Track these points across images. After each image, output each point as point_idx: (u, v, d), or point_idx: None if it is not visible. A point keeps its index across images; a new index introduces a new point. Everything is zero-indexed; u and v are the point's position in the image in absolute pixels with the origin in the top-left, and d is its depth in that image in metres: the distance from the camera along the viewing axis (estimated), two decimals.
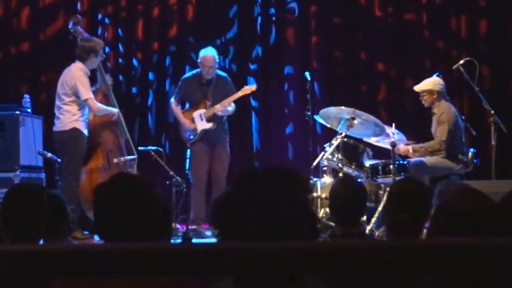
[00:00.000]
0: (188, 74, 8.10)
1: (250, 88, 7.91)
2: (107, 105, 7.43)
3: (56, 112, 7.16)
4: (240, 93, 7.83)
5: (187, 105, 8.07)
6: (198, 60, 7.88)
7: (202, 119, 7.79)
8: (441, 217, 2.11)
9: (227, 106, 7.79)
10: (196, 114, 7.84)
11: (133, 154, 7.46)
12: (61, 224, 3.45)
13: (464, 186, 3.52)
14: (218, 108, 7.74)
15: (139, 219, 2.47)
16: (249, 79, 9.14)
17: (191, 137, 7.80)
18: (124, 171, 7.20)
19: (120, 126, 7.56)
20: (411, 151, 7.11)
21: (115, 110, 7.46)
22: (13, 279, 1.23)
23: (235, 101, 7.88)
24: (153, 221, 2.51)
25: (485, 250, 1.21)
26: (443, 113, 7.13)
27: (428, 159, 7.07)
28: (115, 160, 7.30)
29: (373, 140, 7.28)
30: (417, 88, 7.29)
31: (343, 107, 7.09)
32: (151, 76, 9.41)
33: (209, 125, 7.77)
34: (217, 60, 7.87)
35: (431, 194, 3.53)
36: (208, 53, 7.83)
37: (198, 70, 7.93)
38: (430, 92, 7.20)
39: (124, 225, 2.44)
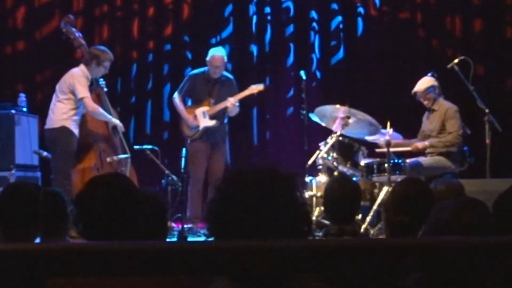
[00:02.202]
0: (195, 70, 8.07)
1: (257, 87, 7.90)
2: (100, 106, 7.38)
3: (49, 109, 7.13)
4: (247, 92, 7.85)
5: (189, 102, 8.06)
6: (207, 59, 7.87)
7: (205, 117, 7.79)
8: (434, 230, 2.10)
9: (229, 108, 7.80)
10: (199, 111, 7.83)
11: (126, 153, 7.43)
12: (60, 223, 3.45)
13: (460, 198, 3.48)
14: (232, 102, 7.73)
15: (123, 220, 2.45)
16: (246, 77, 9.14)
17: (192, 133, 7.79)
18: (118, 170, 7.18)
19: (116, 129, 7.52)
20: (428, 144, 7.12)
21: (116, 121, 7.41)
22: (8, 278, 1.24)
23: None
24: (140, 220, 2.49)
25: (477, 249, 1.23)
26: (448, 110, 7.17)
27: (424, 160, 7.09)
28: (108, 159, 7.27)
29: (370, 138, 7.28)
30: (418, 89, 7.27)
31: (338, 106, 7.10)
32: (146, 75, 9.40)
33: (212, 122, 7.77)
34: (226, 61, 7.89)
35: (433, 196, 3.51)
36: (218, 53, 7.85)
37: (205, 68, 7.93)
38: (432, 87, 7.23)
39: (110, 229, 2.42)
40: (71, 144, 7.01)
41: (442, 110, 7.21)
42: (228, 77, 8.01)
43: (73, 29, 7.56)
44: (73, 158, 7.08)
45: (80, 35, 7.55)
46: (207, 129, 7.76)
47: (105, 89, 7.58)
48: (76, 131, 7.05)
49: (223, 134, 7.94)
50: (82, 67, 7.15)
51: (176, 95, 8.00)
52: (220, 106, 7.76)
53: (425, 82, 7.29)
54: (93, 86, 7.42)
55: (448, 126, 7.15)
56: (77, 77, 7.02)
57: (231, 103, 7.73)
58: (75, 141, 7.04)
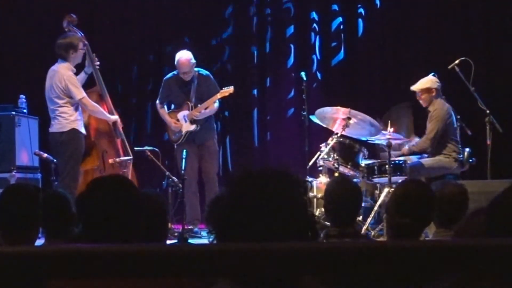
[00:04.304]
0: (169, 74, 7.96)
1: (228, 90, 7.78)
2: (102, 106, 7.38)
3: (52, 115, 7.06)
4: (218, 95, 7.76)
5: (172, 106, 8.03)
6: (175, 63, 7.79)
7: (185, 121, 7.76)
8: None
9: (208, 108, 7.73)
10: (180, 115, 7.81)
11: (128, 155, 7.43)
12: (65, 224, 3.44)
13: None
14: (195, 114, 7.69)
15: (125, 221, 2.44)
16: (246, 78, 9.14)
17: (177, 138, 7.78)
18: (120, 172, 7.18)
19: (116, 126, 7.52)
20: (405, 151, 7.15)
21: (115, 117, 7.41)
22: (8, 280, 1.23)
23: (220, 99, 7.82)
24: (141, 222, 2.48)
25: (475, 250, 1.22)
26: (436, 110, 7.13)
27: (425, 160, 7.08)
28: (110, 161, 7.27)
29: (371, 139, 7.27)
30: (415, 87, 7.27)
31: (338, 107, 7.09)
32: (147, 76, 9.40)
33: (192, 127, 7.73)
34: (193, 62, 7.70)
35: (435, 198, 3.50)
36: (183, 56, 7.69)
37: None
38: (428, 90, 7.20)
39: (111, 230, 2.42)
40: (81, 145, 7.02)
41: (432, 111, 7.20)
42: (203, 73, 7.86)
43: (76, 29, 7.53)
44: (81, 160, 7.08)
45: (82, 34, 7.54)
46: (190, 133, 7.74)
47: (98, 63, 7.49)
48: (83, 130, 7.07)
49: (208, 133, 7.86)
50: (63, 63, 7.03)
51: (157, 102, 7.98)
52: (192, 114, 7.70)
53: (424, 83, 7.26)
54: (95, 87, 7.43)
55: (427, 128, 7.16)
56: (67, 78, 6.94)
57: (196, 115, 7.65)
58: (83, 141, 7.06)
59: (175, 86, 7.82)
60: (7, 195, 3.31)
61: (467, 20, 9.01)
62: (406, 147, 7.19)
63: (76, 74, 7.18)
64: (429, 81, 7.25)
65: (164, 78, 7.97)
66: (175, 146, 7.80)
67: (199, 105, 7.72)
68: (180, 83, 7.80)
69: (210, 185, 7.68)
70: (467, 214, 2.40)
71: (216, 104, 7.81)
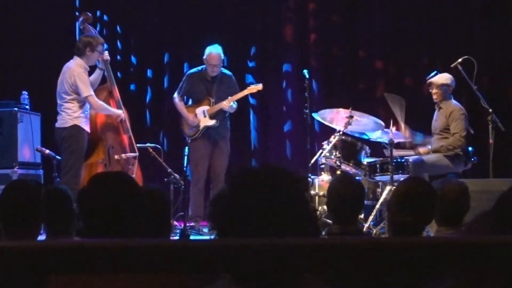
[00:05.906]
0: (193, 70, 8.04)
1: (256, 87, 7.89)
2: (111, 103, 7.41)
3: (58, 110, 7.11)
4: (246, 91, 7.84)
5: (190, 102, 8.06)
6: (204, 57, 7.82)
7: (205, 116, 7.79)
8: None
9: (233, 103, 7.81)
10: (199, 110, 7.83)
11: (134, 152, 7.45)
12: (66, 220, 3.45)
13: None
14: (226, 104, 7.73)
15: (125, 217, 2.44)
16: (247, 76, 9.13)
17: (193, 132, 7.80)
18: (125, 168, 7.21)
19: (123, 123, 7.53)
20: (431, 152, 7.15)
21: (119, 111, 7.42)
22: (9, 275, 1.23)
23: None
24: (142, 219, 2.48)
25: (478, 248, 1.21)
26: (454, 111, 7.18)
27: (427, 157, 7.09)
28: (116, 157, 7.29)
29: (373, 137, 7.28)
30: (435, 79, 7.29)
31: (340, 109, 7.11)
32: (149, 73, 9.41)
33: (212, 122, 7.77)
34: (222, 58, 7.85)
35: (437, 196, 3.51)
36: (214, 50, 7.79)
37: (203, 66, 7.88)
38: (446, 85, 7.25)
39: (111, 225, 2.42)
40: (83, 142, 7.04)
41: (448, 110, 7.23)
42: (227, 73, 7.95)
43: (91, 27, 7.56)
44: (83, 157, 7.09)
45: (96, 32, 7.55)
46: (207, 128, 7.76)
47: (107, 53, 7.52)
48: (87, 127, 7.10)
49: (224, 131, 7.91)
50: (78, 60, 7.10)
51: (176, 95, 8.01)
52: (219, 106, 7.75)
53: (444, 78, 7.31)
54: (106, 84, 7.44)
55: (452, 128, 7.16)
56: (78, 75, 6.99)
57: (227, 103, 7.71)
58: (86, 138, 7.07)
59: (199, 82, 7.87)
60: (9, 191, 3.31)
61: (470, 18, 9.00)
62: (429, 147, 7.20)
63: (91, 73, 7.23)
64: (449, 78, 7.32)
65: (188, 72, 8.04)
66: (189, 141, 7.79)
67: (223, 101, 7.74)
68: (204, 79, 7.85)
69: (217, 183, 7.68)
70: (475, 216, 2.39)
71: (235, 105, 7.84)
